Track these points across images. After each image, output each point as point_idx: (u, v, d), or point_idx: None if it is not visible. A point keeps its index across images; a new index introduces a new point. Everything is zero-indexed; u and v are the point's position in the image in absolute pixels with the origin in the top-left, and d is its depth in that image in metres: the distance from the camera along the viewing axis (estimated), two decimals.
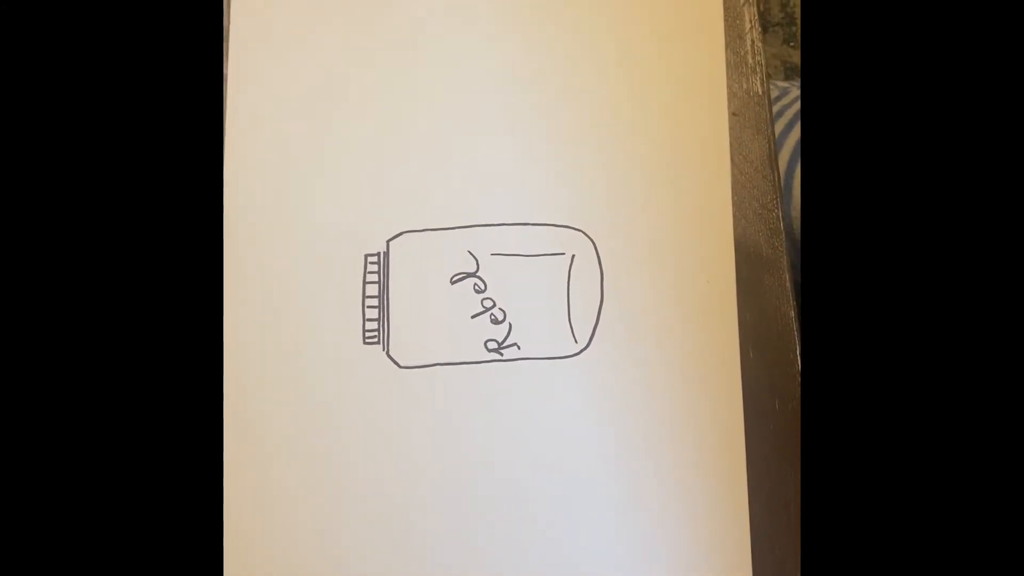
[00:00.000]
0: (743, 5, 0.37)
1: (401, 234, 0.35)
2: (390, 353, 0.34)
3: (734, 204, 0.35)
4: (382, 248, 0.35)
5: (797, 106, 0.54)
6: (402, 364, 0.34)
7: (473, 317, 0.35)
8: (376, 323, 0.34)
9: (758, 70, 0.37)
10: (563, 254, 0.35)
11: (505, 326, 0.35)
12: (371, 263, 0.35)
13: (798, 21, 0.96)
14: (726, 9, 0.37)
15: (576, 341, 0.35)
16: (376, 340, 0.34)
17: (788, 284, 0.35)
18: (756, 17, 0.37)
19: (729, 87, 0.36)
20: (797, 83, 0.56)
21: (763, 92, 0.36)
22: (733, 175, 0.36)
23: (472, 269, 0.35)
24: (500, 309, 0.35)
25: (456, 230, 0.35)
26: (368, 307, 0.35)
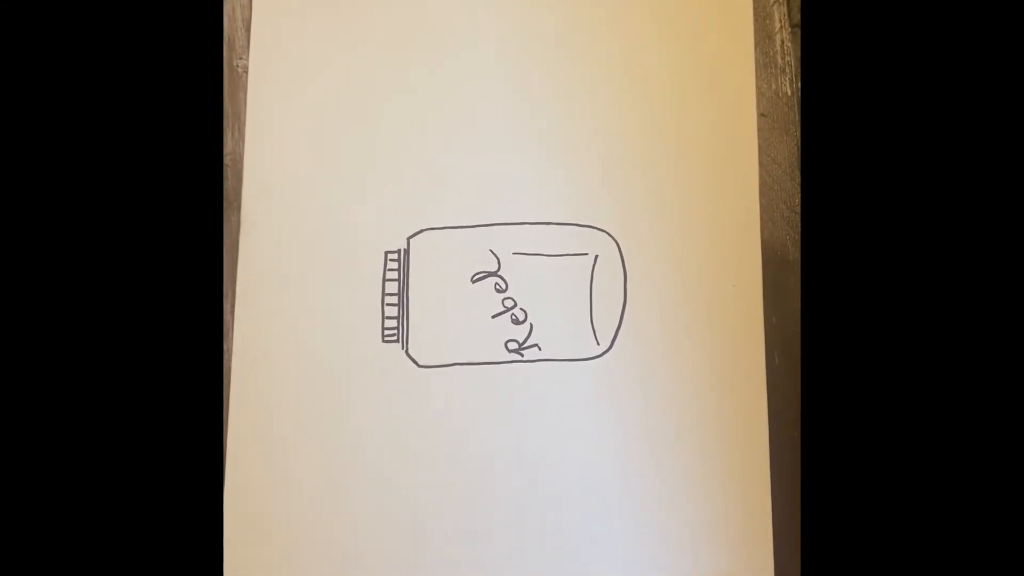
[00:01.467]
0: (773, 5, 0.36)
1: (422, 231, 0.35)
2: (409, 352, 0.34)
3: (761, 206, 0.35)
4: (403, 245, 0.34)
5: None
6: (421, 363, 0.34)
7: (494, 317, 0.34)
8: (395, 321, 0.34)
9: (787, 70, 0.36)
10: (586, 254, 0.35)
11: (526, 326, 0.34)
12: (391, 260, 0.34)
13: None
14: (756, 9, 0.36)
15: (598, 343, 0.34)
16: (395, 338, 0.34)
17: None
18: (786, 17, 0.36)
19: (758, 87, 0.36)
20: None
21: (792, 93, 0.36)
22: (761, 177, 0.35)
23: (493, 268, 0.34)
24: (521, 309, 0.34)
25: (478, 228, 0.35)
26: (387, 305, 0.34)
